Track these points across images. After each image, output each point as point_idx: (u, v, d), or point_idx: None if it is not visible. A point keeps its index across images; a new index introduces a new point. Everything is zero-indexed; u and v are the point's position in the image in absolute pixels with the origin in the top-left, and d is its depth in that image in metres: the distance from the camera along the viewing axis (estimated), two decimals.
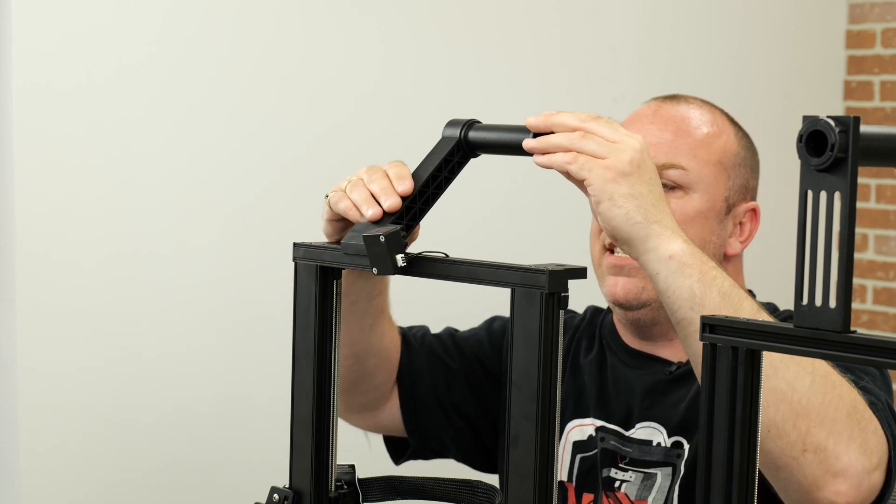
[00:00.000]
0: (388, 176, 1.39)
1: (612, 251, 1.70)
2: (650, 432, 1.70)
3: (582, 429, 1.75)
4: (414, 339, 1.79)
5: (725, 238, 1.73)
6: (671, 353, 1.76)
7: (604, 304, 1.86)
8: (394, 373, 1.75)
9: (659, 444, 1.69)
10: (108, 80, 2.44)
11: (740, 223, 1.75)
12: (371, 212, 1.36)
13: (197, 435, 2.57)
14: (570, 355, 1.81)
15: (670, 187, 1.68)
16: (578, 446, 1.74)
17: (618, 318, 1.78)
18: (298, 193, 2.66)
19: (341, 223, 1.47)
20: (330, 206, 1.45)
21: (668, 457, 1.68)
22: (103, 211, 2.44)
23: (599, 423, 1.74)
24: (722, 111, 1.78)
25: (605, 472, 1.71)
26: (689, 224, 1.67)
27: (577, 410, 1.75)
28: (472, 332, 1.87)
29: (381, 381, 1.74)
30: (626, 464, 1.70)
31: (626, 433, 1.72)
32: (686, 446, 1.68)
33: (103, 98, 2.43)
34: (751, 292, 1.81)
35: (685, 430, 1.68)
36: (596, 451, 1.72)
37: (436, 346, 1.81)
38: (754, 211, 1.76)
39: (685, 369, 1.73)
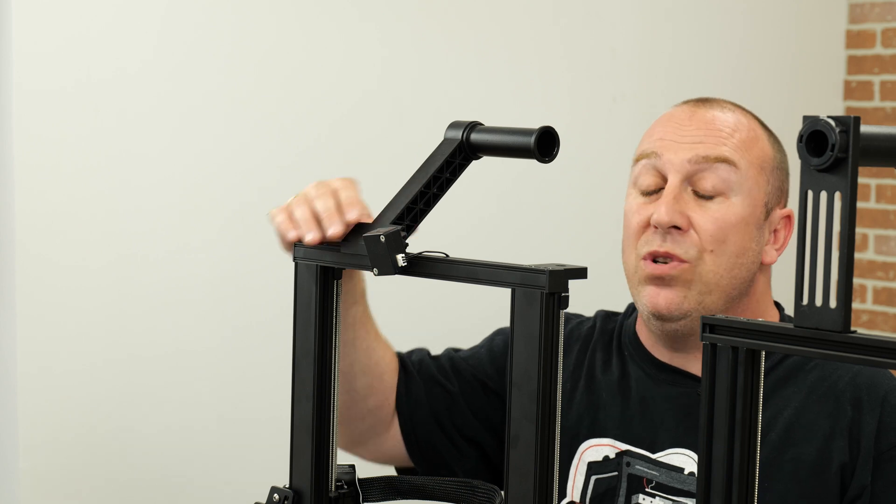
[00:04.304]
0: (337, 197, 1.36)
1: (653, 260, 1.63)
2: (682, 459, 1.64)
3: (598, 449, 1.68)
4: (412, 365, 1.72)
5: (763, 246, 1.66)
6: (701, 367, 1.69)
7: (609, 307, 1.82)
8: (390, 397, 1.69)
9: (692, 473, 1.62)
10: (108, 81, 2.44)
11: (775, 230, 1.68)
12: (310, 235, 1.34)
13: (197, 435, 2.57)
14: (584, 370, 1.73)
15: (710, 196, 1.61)
16: (594, 467, 1.67)
17: (650, 329, 1.69)
18: None
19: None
20: (272, 217, 1.41)
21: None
22: (103, 212, 2.44)
23: (623, 446, 1.67)
24: (753, 115, 1.71)
25: (633, 499, 1.64)
26: (732, 231, 1.61)
27: (592, 430, 1.68)
28: (473, 352, 1.79)
29: (374, 404, 1.67)
30: (652, 488, 1.64)
31: (653, 455, 1.65)
32: None
33: (103, 99, 2.43)
34: (777, 304, 1.76)
35: None
36: (614, 473, 1.66)
37: (434, 370, 1.74)
38: (789, 217, 1.69)
39: None
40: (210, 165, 2.56)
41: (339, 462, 1.40)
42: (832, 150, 0.93)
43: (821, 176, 0.94)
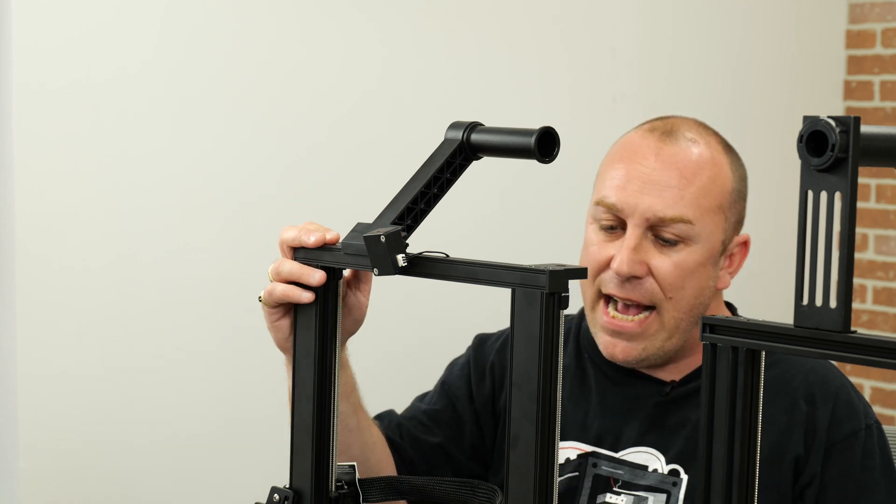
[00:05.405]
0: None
1: (606, 301, 1.67)
2: (646, 458, 1.68)
3: (561, 452, 1.70)
4: (392, 433, 1.76)
5: (718, 276, 1.71)
6: (662, 374, 1.73)
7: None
8: (393, 465, 1.74)
9: (655, 469, 1.67)
10: (108, 80, 2.44)
11: (731, 255, 1.72)
12: (316, 276, 1.35)
13: (197, 434, 2.57)
14: None
15: (672, 242, 1.65)
16: None
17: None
18: (299, 194, 2.66)
19: (283, 310, 1.44)
20: (266, 301, 1.42)
21: (663, 483, 1.66)
22: (103, 212, 2.44)
23: (587, 447, 1.71)
24: (716, 136, 1.72)
25: (599, 499, 1.68)
26: (690, 277, 1.66)
27: None
28: (437, 393, 1.84)
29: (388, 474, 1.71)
30: (619, 487, 1.68)
31: (616, 455, 1.70)
32: (683, 476, 1.66)
33: (103, 98, 2.43)
34: (729, 305, 1.81)
35: (684, 460, 1.66)
36: (575, 474, 1.70)
37: (412, 430, 1.79)
38: (745, 243, 1.74)
39: (682, 390, 1.71)
40: (210, 165, 2.56)
41: (339, 462, 1.40)
42: (832, 150, 0.93)
43: (821, 176, 0.94)
